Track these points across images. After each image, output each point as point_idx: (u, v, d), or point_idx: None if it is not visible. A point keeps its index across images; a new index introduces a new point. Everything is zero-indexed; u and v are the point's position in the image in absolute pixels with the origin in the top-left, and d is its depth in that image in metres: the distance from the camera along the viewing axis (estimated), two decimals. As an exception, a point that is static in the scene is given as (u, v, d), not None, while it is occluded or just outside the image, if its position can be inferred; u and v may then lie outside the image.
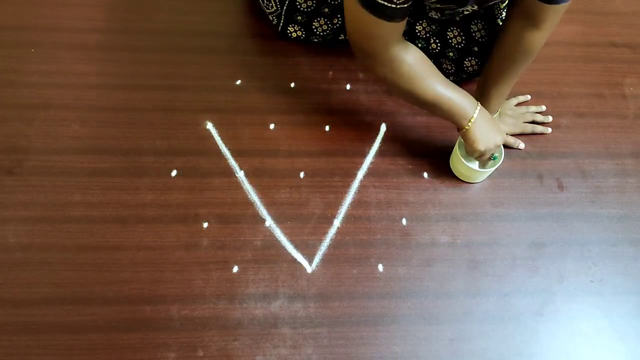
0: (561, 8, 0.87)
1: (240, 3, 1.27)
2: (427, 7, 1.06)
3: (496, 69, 1.01)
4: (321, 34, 1.16)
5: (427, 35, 1.13)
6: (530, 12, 0.90)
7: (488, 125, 0.96)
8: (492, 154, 1.01)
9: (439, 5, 1.01)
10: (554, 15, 0.89)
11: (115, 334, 0.90)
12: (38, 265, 0.94)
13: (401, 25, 0.84)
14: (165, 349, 0.89)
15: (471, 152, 0.99)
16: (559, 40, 1.28)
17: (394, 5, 0.78)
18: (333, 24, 1.14)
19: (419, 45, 1.14)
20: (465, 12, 1.03)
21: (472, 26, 1.08)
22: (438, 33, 1.11)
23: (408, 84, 0.91)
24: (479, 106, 0.96)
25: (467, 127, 0.95)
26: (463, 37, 1.09)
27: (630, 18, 1.34)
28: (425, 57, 0.93)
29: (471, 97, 0.96)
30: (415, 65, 0.90)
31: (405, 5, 0.80)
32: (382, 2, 0.78)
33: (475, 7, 0.98)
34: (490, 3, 0.96)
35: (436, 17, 1.04)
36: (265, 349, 0.90)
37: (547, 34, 0.93)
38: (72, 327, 0.90)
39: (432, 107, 0.95)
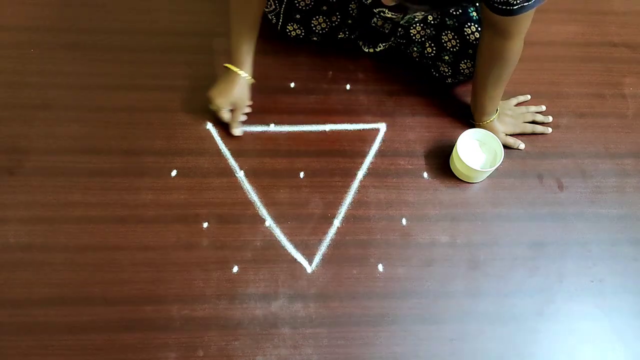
0: (521, 17, 0.87)
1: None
2: (375, 22, 1.11)
3: (482, 76, 1.03)
4: (320, 32, 1.16)
5: (423, 39, 1.13)
6: (494, 23, 0.92)
7: (223, 83, 1.05)
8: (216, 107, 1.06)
9: (384, 14, 1.04)
10: (516, 25, 0.90)
11: (115, 334, 0.90)
12: (38, 265, 0.94)
13: None
14: (166, 349, 0.89)
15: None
16: (559, 40, 1.28)
17: None
18: (332, 22, 1.14)
19: (415, 49, 1.14)
20: (415, 19, 1.06)
21: (465, 29, 1.08)
22: (433, 37, 1.12)
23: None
24: (242, 73, 1.04)
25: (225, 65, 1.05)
26: (458, 41, 1.09)
27: (630, 18, 1.34)
28: (261, 4, 1.01)
29: (248, 62, 1.05)
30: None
31: None
32: None
33: (421, 15, 1.03)
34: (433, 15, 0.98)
35: (392, 15, 1.06)
36: (266, 349, 0.90)
37: (517, 41, 0.94)
38: (72, 327, 0.90)
39: (230, 30, 1.03)
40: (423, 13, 1.08)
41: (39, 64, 1.15)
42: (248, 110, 1.10)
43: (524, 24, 0.91)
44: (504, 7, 0.85)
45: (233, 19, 1.01)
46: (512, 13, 0.85)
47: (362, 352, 0.91)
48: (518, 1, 0.83)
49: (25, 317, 0.90)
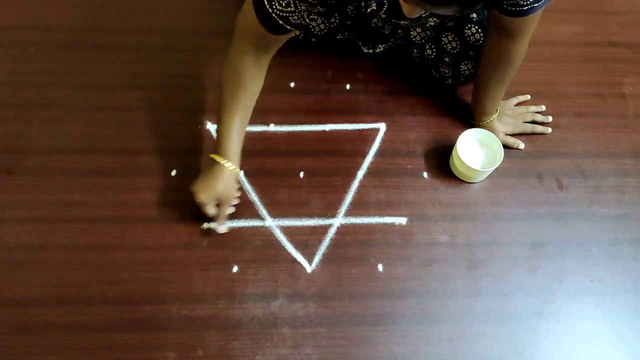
0: (529, 18, 0.87)
1: (240, 2, 1.27)
2: (375, 23, 1.09)
3: (485, 76, 1.03)
4: (318, 33, 1.16)
5: (423, 41, 1.13)
6: (501, 24, 0.92)
7: (207, 177, 0.95)
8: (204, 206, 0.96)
9: (394, 21, 1.03)
10: (524, 25, 0.90)
11: (115, 334, 0.90)
12: (38, 265, 0.94)
13: (272, 43, 0.90)
14: (165, 349, 0.89)
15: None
16: (559, 40, 1.28)
17: (274, 15, 0.83)
18: (330, 23, 1.14)
19: (415, 50, 1.14)
20: (429, 24, 1.05)
21: (465, 31, 1.08)
22: (433, 39, 1.12)
23: (224, 78, 0.94)
24: (227, 164, 0.94)
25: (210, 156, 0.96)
26: (458, 42, 1.09)
27: (630, 18, 1.34)
28: (253, 92, 0.96)
29: (235, 153, 0.95)
30: (240, 84, 0.93)
31: (280, 22, 0.84)
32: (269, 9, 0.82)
33: (433, 21, 1.03)
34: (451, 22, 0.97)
35: (405, 23, 1.06)
36: (265, 349, 0.90)
37: (523, 42, 0.95)
38: (72, 327, 0.90)
39: (219, 118, 0.95)
40: (436, 20, 1.07)
41: (39, 64, 1.15)
42: (235, 202, 1.00)
43: (532, 25, 0.91)
44: (513, 9, 0.85)
45: (224, 106, 0.94)
46: (521, 14, 0.85)
47: (361, 351, 0.91)
48: (528, 2, 0.83)
49: (24, 316, 0.90)
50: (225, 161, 0.94)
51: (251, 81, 0.94)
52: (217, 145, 0.95)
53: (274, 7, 0.82)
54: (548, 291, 0.99)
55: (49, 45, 1.18)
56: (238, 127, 0.95)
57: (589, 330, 0.96)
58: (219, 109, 0.95)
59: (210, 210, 0.95)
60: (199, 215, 1.00)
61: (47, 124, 1.08)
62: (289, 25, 0.86)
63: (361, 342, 0.92)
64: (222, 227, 0.98)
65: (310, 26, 1.15)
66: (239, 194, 1.01)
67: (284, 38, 0.91)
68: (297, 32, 1.16)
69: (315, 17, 1.14)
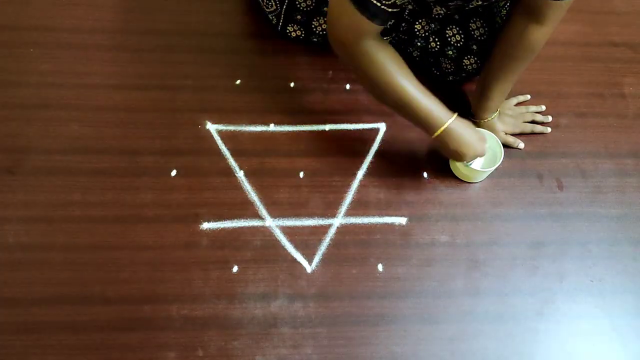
0: (566, 4, 0.87)
1: (239, 2, 1.27)
2: (432, 4, 1.06)
3: (498, 66, 1.01)
4: (320, 33, 1.16)
5: (427, 34, 1.13)
6: (534, 8, 0.90)
7: (462, 136, 0.96)
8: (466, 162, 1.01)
9: (439, 8, 1.02)
10: (558, 11, 0.89)
11: (115, 334, 0.90)
12: (38, 265, 0.94)
13: (379, 27, 0.85)
14: (165, 349, 0.89)
15: (450, 157, 1.00)
16: (559, 40, 1.28)
17: (378, 4, 0.79)
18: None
19: (419, 44, 1.14)
20: (471, 6, 1.03)
21: (471, 24, 1.08)
22: (437, 32, 1.11)
23: (377, 79, 0.91)
24: (455, 116, 0.95)
25: (438, 133, 0.95)
26: (462, 36, 1.09)
27: (630, 17, 1.34)
28: (400, 58, 0.92)
29: (445, 108, 0.95)
30: (386, 62, 0.90)
31: (390, 10, 0.81)
32: None
33: (480, 2, 0.99)
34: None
35: (441, 12, 1.04)
36: (265, 349, 0.90)
37: (550, 30, 0.93)
38: (72, 327, 0.90)
39: (401, 109, 0.95)
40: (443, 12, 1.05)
41: (39, 64, 1.15)
42: None
43: (563, 12, 0.90)
44: None
45: (401, 90, 0.91)
46: None
47: (361, 351, 0.91)
48: None
49: (24, 316, 0.90)
50: (447, 122, 0.93)
51: (385, 51, 0.90)
52: (429, 123, 0.94)
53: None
54: (548, 291, 0.99)
55: (50, 45, 1.18)
56: (425, 93, 0.93)
57: (589, 330, 0.96)
58: (391, 104, 0.95)
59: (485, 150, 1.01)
60: (198, 215, 1.00)
61: (47, 124, 1.08)
62: (385, 6, 0.82)
63: (361, 342, 0.92)
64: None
65: (313, 26, 1.15)
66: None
67: (386, 22, 0.87)
68: (298, 33, 1.16)
69: (319, 17, 1.14)
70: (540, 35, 0.93)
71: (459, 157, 0.98)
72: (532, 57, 0.98)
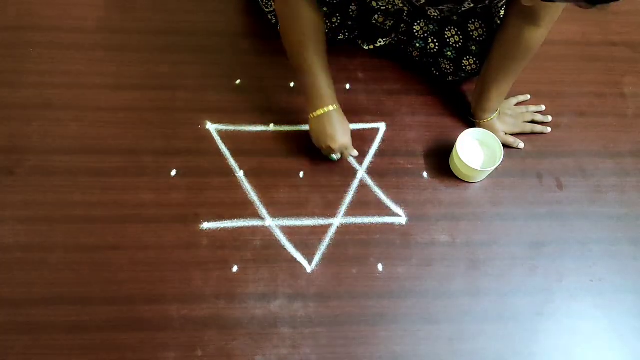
0: (559, 5, 0.86)
1: (239, 2, 1.27)
2: (424, 6, 1.06)
3: (496, 67, 1.01)
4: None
5: (425, 35, 1.13)
6: (529, 10, 0.90)
7: (331, 127, 0.98)
8: (329, 155, 1.03)
9: (430, 9, 1.02)
10: (553, 12, 0.89)
11: (114, 334, 0.90)
12: (38, 265, 0.94)
13: None
14: (165, 349, 0.89)
15: (320, 140, 1.01)
16: (559, 40, 1.27)
17: None
18: (331, 23, 1.14)
19: (417, 45, 1.14)
20: (463, 9, 1.03)
21: (469, 25, 1.08)
22: (436, 33, 1.11)
23: (291, 36, 0.93)
24: (335, 107, 0.98)
25: (311, 116, 0.99)
26: (461, 37, 1.09)
27: (630, 17, 1.34)
28: (321, 28, 0.94)
29: (334, 94, 0.98)
30: (305, 26, 0.91)
31: None
32: None
33: (472, 5, 0.99)
34: (487, 2, 0.96)
35: (436, 14, 1.05)
36: (265, 349, 0.90)
37: (546, 30, 0.93)
38: (71, 327, 0.90)
39: (299, 76, 0.97)
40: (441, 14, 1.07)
41: (39, 64, 1.15)
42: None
43: (558, 13, 0.90)
44: None
45: (295, 54, 0.95)
46: None
47: (361, 351, 0.91)
48: None
49: (24, 316, 0.90)
50: (328, 107, 0.97)
51: (311, 15, 0.92)
52: (312, 100, 0.98)
53: None
54: (548, 291, 0.99)
55: (49, 45, 1.18)
56: (321, 71, 0.96)
57: (589, 330, 0.96)
58: (295, 66, 0.97)
59: (353, 150, 1.06)
60: (198, 215, 1.00)
61: (47, 124, 1.08)
62: None
63: (361, 342, 0.92)
64: (355, 151, 1.07)
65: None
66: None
67: None
68: None
69: None
70: (536, 36, 0.94)
71: (332, 140, 0.99)
72: (530, 58, 0.98)
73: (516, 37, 0.95)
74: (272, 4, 0.95)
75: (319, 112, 0.98)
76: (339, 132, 0.99)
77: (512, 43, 0.96)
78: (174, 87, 1.14)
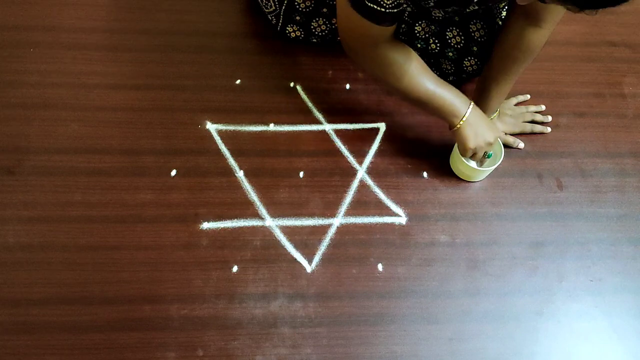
0: (561, 7, 0.86)
1: (239, 2, 1.27)
2: (431, 8, 1.06)
3: (497, 69, 1.01)
4: (320, 34, 1.16)
5: (427, 35, 1.13)
6: (531, 11, 0.90)
7: (480, 124, 0.97)
8: (486, 152, 1.02)
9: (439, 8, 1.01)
10: (555, 14, 0.89)
11: (114, 334, 0.90)
12: (38, 265, 0.94)
13: (391, 29, 0.86)
14: (165, 349, 0.89)
15: (463, 150, 1.00)
16: (558, 40, 1.28)
17: (383, 10, 0.79)
18: (332, 24, 1.14)
19: (419, 45, 1.14)
20: (467, 11, 1.03)
21: (471, 26, 1.08)
22: (437, 33, 1.12)
23: (397, 81, 0.93)
24: (472, 105, 0.96)
25: (458, 126, 0.96)
26: (462, 37, 1.09)
27: (629, 17, 1.34)
28: (416, 55, 0.94)
29: (464, 96, 0.97)
30: (404, 63, 0.91)
31: (395, 11, 0.81)
32: (371, 5, 0.78)
33: (476, 7, 0.99)
34: (490, 4, 0.96)
35: (439, 15, 1.05)
36: (265, 349, 0.90)
37: (548, 32, 0.93)
38: (71, 327, 0.90)
39: (423, 105, 0.96)
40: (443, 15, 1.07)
41: (39, 64, 1.15)
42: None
43: (560, 14, 0.90)
44: None
45: (417, 92, 0.94)
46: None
47: (361, 351, 0.91)
48: None
49: (24, 316, 0.90)
50: (467, 111, 0.95)
51: (410, 53, 0.93)
52: (449, 114, 0.96)
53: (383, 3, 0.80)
54: (548, 291, 0.99)
55: (50, 45, 1.18)
56: (440, 85, 0.95)
57: (588, 330, 0.96)
58: (412, 102, 0.97)
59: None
60: (198, 215, 1.00)
61: (47, 124, 1.08)
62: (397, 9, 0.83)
63: (361, 342, 0.92)
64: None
65: (312, 27, 1.15)
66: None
67: (396, 22, 0.88)
68: (298, 33, 1.16)
69: (317, 18, 1.14)
70: (538, 37, 0.94)
71: (489, 134, 0.98)
72: (531, 59, 0.99)
73: (518, 38, 0.95)
74: (356, 63, 0.97)
75: (462, 121, 0.96)
76: (490, 125, 0.99)
77: (514, 44, 0.96)
78: (174, 87, 1.14)
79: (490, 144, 0.99)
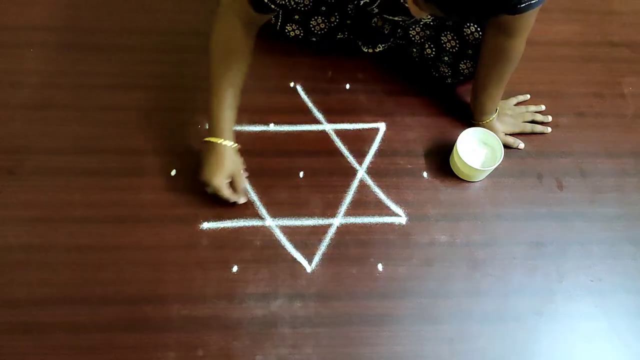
0: (527, 15, 0.87)
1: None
2: (375, 22, 1.08)
3: (482, 75, 1.04)
4: (319, 32, 1.16)
5: (422, 40, 1.13)
6: (500, 22, 0.93)
7: (213, 161, 0.96)
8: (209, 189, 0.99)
9: (386, 16, 1.03)
10: (522, 23, 0.91)
11: (115, 334, 0.90)
12: (38, 265, 0.94)
13: (259, 18, 0.91)
14: (165, 349, 0.89)
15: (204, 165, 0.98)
16: (558, 40, 1.28)
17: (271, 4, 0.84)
18: (330, 22, 1.14)
19: (414, 50, 1.14)
20: (420, 20, 1.04)
21: (465, 29, 1.08)
22: (432, 38, 1.12)
23: (213, 56, 0.94)
24: (223, 142, 0.95)
25: (209, 139, 0.96)
26: (457, 41, 1.10)
27: (629, 17, 1.34)
28: (244, 61, 0.95)
29: (230, 131, 0.97)
30: (230, 52, 0.93)
31: (270, 5, 0.86)
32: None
33: (429, 19, 1.01)
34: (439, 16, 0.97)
35: (427, 20, 1.06)
36: (265, 349, 0.90)
37: (521, 39, 0.95)
38: (72, 327, 0.90)
39: (209, 95, 0.96)
40: (435, 20, 1.08)
41: (39, 64, 1.15)
42: (246, 174, 1.03)
43: (529, 23, 0.91)
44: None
45: (213, 84, 0.95)
46: (519, 11, 0.85)
47: (361, 351, 0.91)
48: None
49: (24, 316, 0.90)
50: (222, 140, 0.95)
51: (240, 56, 0.95)
52: (211, 127, 0.96)
53: None
54: (548, 291, 0.99)
55: (49, 45, 1.18)
56: (230, 104, 0.95)
57: (588, 330, 0.96)
58: (209, 88, 0.96)
59: (226, 191, 0.97)
60: (198, 215, 1.00)
61: (47, 124, 1.08)
62: (274, 5, 0.87)
63: (361, 342, 0.92)
64: (243, 198, 1.00)
65: (311, 25, 1.15)
66: (245, 166, 1.01)
67: (268, 16, 0.93)
68: (297, 32, 1.16)
69: (316, 16, 1.14)
70: (513, 45, 0.96)
71: (210, 172, 0.96)
72: (513, 65, 1.00)
73: (495, 47, 0.98)
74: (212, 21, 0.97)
75: (211, 139, 0.96)
76: (218, 171, 0.96)
77: (492, 53, 0.99)
78: (174, 87, 1.14)
79: (208, 186, 0.97)
